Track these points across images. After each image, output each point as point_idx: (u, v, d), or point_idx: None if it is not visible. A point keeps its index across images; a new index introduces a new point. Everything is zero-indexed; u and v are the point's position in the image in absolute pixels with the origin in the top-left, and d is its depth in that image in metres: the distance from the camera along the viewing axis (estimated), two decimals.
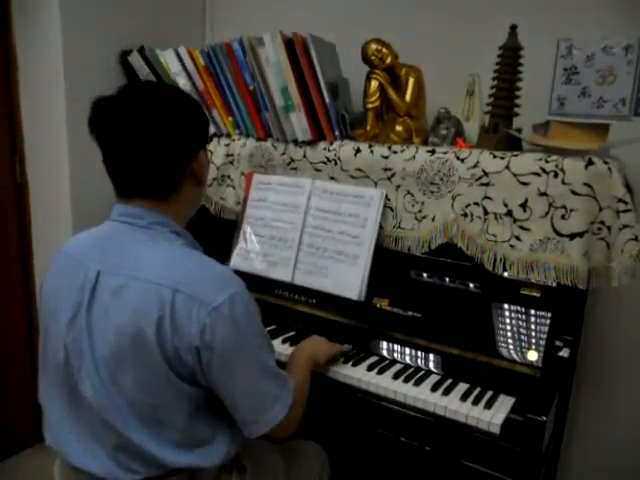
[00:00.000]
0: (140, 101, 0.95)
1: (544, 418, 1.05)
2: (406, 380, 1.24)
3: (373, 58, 1.44)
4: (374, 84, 1.46)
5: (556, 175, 1.18)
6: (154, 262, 0.93)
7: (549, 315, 1.21)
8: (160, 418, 0.93)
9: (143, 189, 0.97)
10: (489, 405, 1.15)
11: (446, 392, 1.20)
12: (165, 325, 0.88)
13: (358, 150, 1.44)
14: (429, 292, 1.35)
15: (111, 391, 0.92)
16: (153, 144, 0.93)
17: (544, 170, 1.19)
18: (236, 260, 1.58)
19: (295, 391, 1.02)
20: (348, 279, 1.40)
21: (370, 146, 1.43)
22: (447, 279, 1.34)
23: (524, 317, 1.23)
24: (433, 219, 1.34)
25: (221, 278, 0.94)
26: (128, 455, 0.94)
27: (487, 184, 1.26)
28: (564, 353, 1.23)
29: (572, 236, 1.17)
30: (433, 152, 1.34)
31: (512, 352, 1.23)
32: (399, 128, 1.47)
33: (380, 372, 1.28)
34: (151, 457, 0.94)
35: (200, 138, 1.02)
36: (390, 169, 1.39)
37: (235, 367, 0.92)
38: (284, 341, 1.41)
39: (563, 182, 1.17)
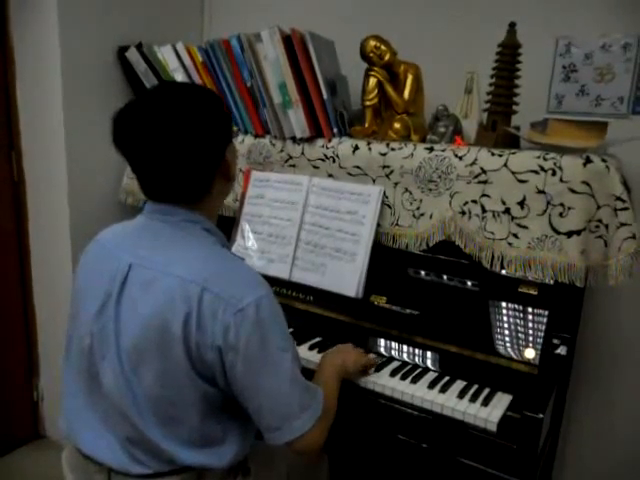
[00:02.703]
0: (162, 110, 0.90)
1: (541, 415, 1.05)
2: (403, 377, 1.25)
3: (371, 55, 1.44)
4: (372, 81, 1.46)
5: (554, 173, 1.18)
6: (184, 258, 0.93)
7: (546, 313, 1.21)
8: (175, 415, 0.93)
9: (175, 196, 0.96)
10: (486, 402, 1.15)
11: (443, 389, 1.20)
12: (191, 321, 0.88)
13: (356, 147, 1.44)
14: (427, 290, 1.35)
15: (131, 383, 0.92)
16: (181, 154, 0.91)
17: (542, 168, 1.19)
18: None
19: (324, 402, 1.00)
20: (346, 276, 1.40)
21: (368, 143, 1.43)
22: (445, 277, 1.34)
23: (521, 315, 1.24)
24: (431, 217, 1.34)
25: (249, 280, 0.94)
26: (140, 448, 0.95)
27: (485, 182, 1.26)
28: (561, 351, 1.23)
29: (570, 234, 1.17)
30: (431, 150, 1.34)
31: (509, 350, 1.23)
32: (397, 125, 1.47)
33: (377, 369, 1.28)
34: (162, 452, 0.94)
35: (226, 136, 0.99)
36: (388, 166, 1.39)
37: (259, 370, 0.91)
38: None
39: (561, 180, 1.17)
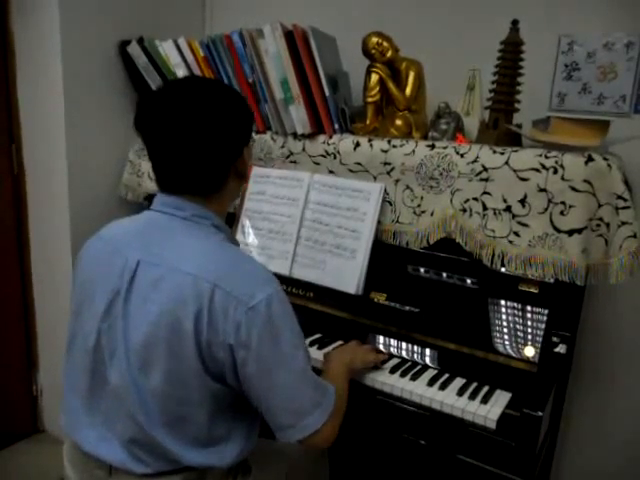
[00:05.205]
0: (187, 100, 0.91)
1: (540, 413, 1.05)
2: (403, 374, 1.25)
3: (374, 51, 1.43)
4: (374, 78, 1.46)
5: (556, 171, 1.18)
6: (194, 254, 0.92)
7: (546, 311, 1.21)
8: (183, 414, 0.92)
9: (188, 187, 0.96)
10: (485, 400, 1.15)
11: (443, 387, 1.20)
12: (203, 319, 0.87)
13: (357, 144, 1.44)
14: (427, 287, 1.35)
15: (139, 381, 0.91)
16: (200, 146, 0.91)
17: (544, 166, 1.19)
18: None
19: (336, 399, 0.99)
20: (346, 273, 1.40)
21: (370, 140, 1.43)
22: (445, 274, 1.34)
23: (521, 313, 1.24)
24: (432, 214, 1.34)
25: (260, 277, 0.93)
26: (143, 448, 0.94)
27: (486, 179, 1.26)
28: (561, 349, 1.23)
29: (571, 232, 1.17)
30: (433, 147, 1.34)
31: (509, 347, 1.23)
32: (399, 122, 1.47)
33: (377, 366, 1.28)
34: (166, 452, 0.93)
35: (246, 135, 1.00)
36: (389, 163, 1.39)
37: (271, 367, 0.90)
38: None
39: (562, 178, 1.17)
